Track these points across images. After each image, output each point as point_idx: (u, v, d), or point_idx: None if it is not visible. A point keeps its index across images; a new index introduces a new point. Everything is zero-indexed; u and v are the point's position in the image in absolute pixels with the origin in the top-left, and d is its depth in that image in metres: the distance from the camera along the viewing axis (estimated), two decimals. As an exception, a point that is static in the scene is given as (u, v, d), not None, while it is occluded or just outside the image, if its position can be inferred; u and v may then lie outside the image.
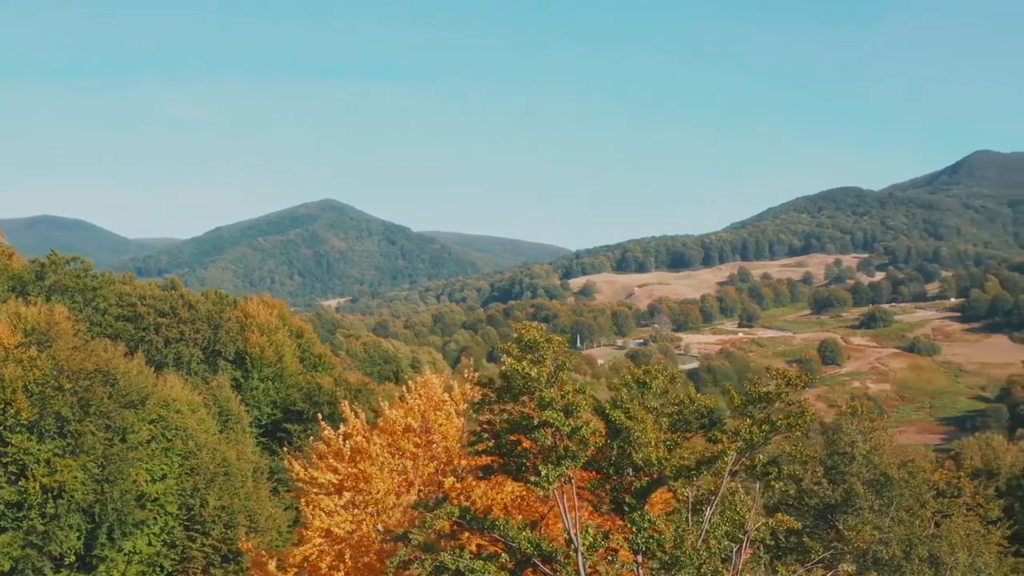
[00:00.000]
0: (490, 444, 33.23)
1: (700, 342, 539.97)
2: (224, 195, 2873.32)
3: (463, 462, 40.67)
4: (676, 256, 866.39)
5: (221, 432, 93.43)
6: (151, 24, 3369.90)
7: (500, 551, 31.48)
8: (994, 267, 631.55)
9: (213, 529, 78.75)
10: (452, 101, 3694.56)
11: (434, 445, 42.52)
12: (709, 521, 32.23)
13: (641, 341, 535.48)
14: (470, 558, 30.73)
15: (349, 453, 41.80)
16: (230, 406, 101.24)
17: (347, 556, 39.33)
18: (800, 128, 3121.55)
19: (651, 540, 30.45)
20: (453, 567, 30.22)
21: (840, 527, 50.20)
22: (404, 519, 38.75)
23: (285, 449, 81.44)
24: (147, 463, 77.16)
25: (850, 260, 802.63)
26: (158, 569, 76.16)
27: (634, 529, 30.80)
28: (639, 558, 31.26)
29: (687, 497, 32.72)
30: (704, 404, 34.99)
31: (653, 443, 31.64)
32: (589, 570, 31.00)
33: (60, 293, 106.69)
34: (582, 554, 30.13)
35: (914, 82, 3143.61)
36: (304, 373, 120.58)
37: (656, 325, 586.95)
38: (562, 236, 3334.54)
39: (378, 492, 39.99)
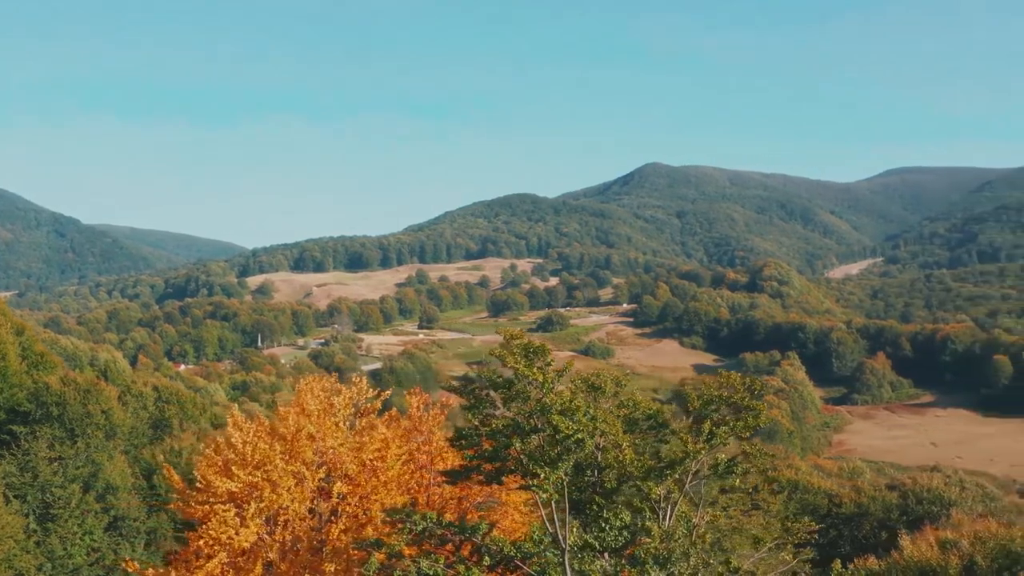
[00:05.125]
0: (487, 448, 32.14)
1: (382, 343, 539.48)
2: None
3: (350, 467, 39.28)
4: (354, 257, 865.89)
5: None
6: None
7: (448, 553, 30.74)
8: (664, 275, 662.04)
9: (-50, 538, 73.32)
10: (119, 91, 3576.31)
11: (330, 451, 40.70)
12: (672, 518, 32.36)
13: (322, 341, 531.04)
14: (444, 564, 29.75)
15: (256, 460, 39.43)
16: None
17: (259, 569, 37.20)
18: (480, 134, 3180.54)
19: (620, 538, 30.24)
20: (431, 572, 29.10)
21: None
22: (302, 529, 37.03)
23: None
24: None
25: (525, 265, 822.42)
26: None
27: (606, 528, 30.52)
28: (606, 556, 30.95)
29: (659, 496, 32.77)
30: (649, 407, 35.17)
31: (624, 445, 31.54)
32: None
33: None
34: (568, 554, 29.55)
35: (590, 96, 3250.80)
36: (28, 372, 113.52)
37: (337, 325, 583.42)
38: (238, 234, 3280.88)
39: (283, 501, 37.90)
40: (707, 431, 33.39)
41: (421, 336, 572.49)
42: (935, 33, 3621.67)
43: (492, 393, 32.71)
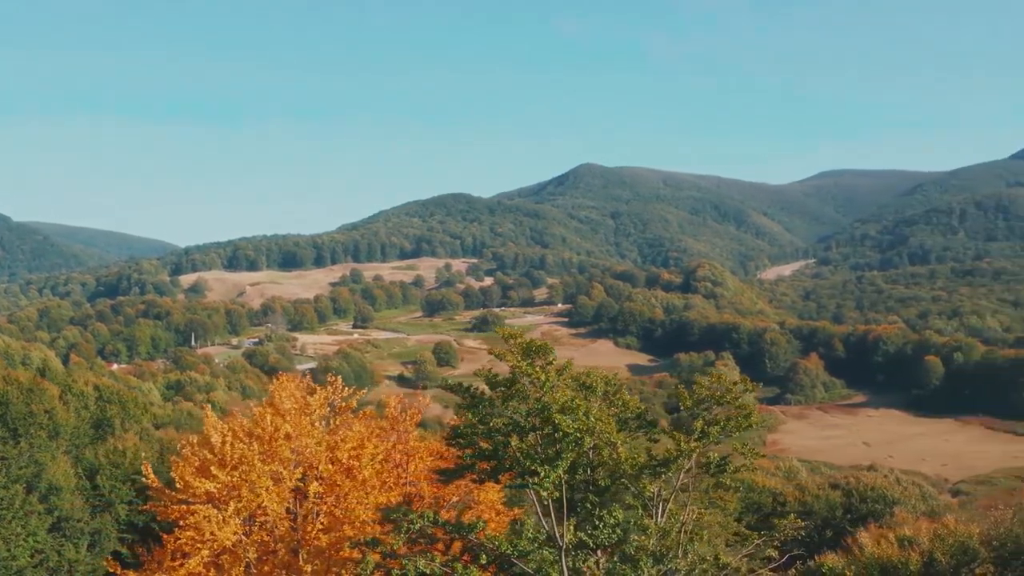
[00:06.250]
0: (487, 447, 32.15)
1: (316, 342, 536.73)
2: None
3: (326, 466, 39.07)
4: (288, 255, 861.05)
5: None
6: None
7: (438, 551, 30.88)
8: (598, 275, 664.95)
9: None
10: (47, 88, 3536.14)
11: (307, 451, 40.42)
12: (665, 516, 32.76)
13: (256, 340, 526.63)
14: (441, 563, 29.84)
15: (235, 460, 39.02)
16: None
17: (238, 569, 36.89)
18: (414, 134, 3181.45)
19: (613, 535, 30.49)
20: (428, 572, 29.14)
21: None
22: (283, 529, 36.81)
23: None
24: None
25: (460, 264, 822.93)
26: None
27: (599, 525, 30.75)
28: (598, 553, 31.17)
29: (653, 493, 33.16)
30: (637, 406, 35.55)
31: (619, 443, 31.91)
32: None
33: None
34: (564, 552, 29.79)
35: (525, 97, 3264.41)
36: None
37: (271, 324, 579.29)
38: (171, 232, 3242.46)
39: (262, 501, 37.60)
40: (699, 429, 33.88)
41: (356, 336, 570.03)
42: (869, 34, 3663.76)
43: (489, 391, 32.83)
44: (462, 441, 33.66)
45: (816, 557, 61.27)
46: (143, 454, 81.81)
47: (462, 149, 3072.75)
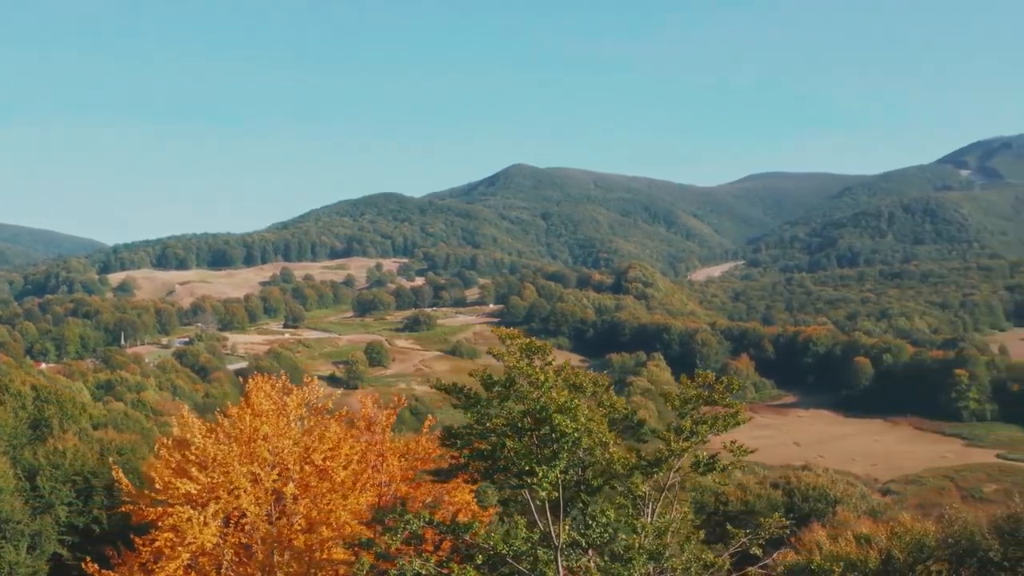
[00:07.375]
0: (485, 446, 32.10)
1: (247, 342, 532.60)
2: None
3: (297, 467, 38.82)
4: (218, 254, 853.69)
5: None
6: None
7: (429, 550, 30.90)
8: (530, 276, 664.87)
9: None
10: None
11: (284, 451, 40.13)
12: (656, 515, 33.01)
13: (187, 340, 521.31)
14: (435, 563, 29.80)
15: (215, 462, 38.59)
16: None
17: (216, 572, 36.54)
18: (346, 133, 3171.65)
19: (605, 534, 30.63)
20: (424, 572, 29.05)
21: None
22: (264, 530, 36.51)
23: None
24: None
25: (391, 264, 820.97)
26: None
27: (592, 524, 30.90)
28: (590, 552, 31.33)
29: (643, 493, 33.37)
30: (625, 407, 35.78)
31: (611, 443, 32.10)
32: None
33: None
34: (560, 551, 29.89)
35: (457, 97, 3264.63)
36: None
37: (201, 324, 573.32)
38: (99, 230, 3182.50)
39: (242, 503, 37.26)
40: (688, 429, 34.20)
41: (287, 335, 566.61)
42: (794, 34, 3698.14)
43: (485, 392, 32.88)
44: (458, 442, 33.71)
45: (774, 557, 61.80)
46: (110, 459, 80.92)
47: (393, 149, 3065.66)
